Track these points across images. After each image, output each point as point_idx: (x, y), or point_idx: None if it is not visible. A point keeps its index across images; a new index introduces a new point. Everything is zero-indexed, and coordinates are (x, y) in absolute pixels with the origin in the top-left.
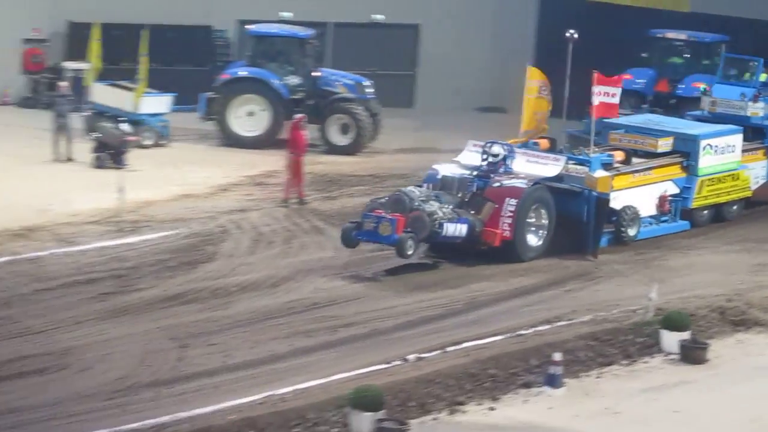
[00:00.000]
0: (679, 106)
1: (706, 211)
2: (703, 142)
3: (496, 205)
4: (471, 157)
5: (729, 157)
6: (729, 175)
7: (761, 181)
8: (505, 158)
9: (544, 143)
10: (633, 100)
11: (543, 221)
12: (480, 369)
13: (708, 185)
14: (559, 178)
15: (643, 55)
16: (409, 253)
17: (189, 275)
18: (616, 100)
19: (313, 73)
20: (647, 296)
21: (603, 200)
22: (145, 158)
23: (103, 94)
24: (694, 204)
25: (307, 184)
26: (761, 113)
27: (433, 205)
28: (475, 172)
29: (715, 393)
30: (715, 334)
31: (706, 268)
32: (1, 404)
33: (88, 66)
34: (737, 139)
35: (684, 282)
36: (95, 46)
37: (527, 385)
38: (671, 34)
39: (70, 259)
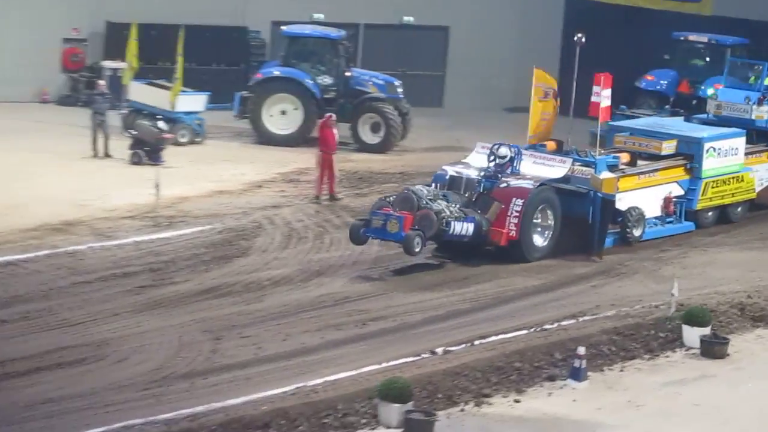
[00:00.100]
0: (700, 106)
1: (710, 213)
2: (707, 145)
3: (503, 205)
4: (479, 158)
5: (732, 160)
6: (733, 177)
7: (765, 183)
8: (512, 159)
9: (551, 145)
10: (655, 100)
11: (549, 222)
12: (506, 362)
13: (713, 187)
14: (565, 179)
15: (666, 56)
16: (417, 250)
17: (223, 269)
18: (608, 102)
19: (345, 73)
20: (669, 292)
21: (608, 201)
22: (181, 155)
23: (140, 93)
24: (698, 205)
25: (338, 181)
26: (766, 116)
27: (440, 204)
28: (482, 173)
29: (734, 387)
30: (735, 330)
31: (727, 265)
32: (40, 394)
33: (126, 65)
34: (740, 142)
35: (705, 279)
36: (133, 46)
37: (552, 378)
38: (693, 37)
39: (108, 252)
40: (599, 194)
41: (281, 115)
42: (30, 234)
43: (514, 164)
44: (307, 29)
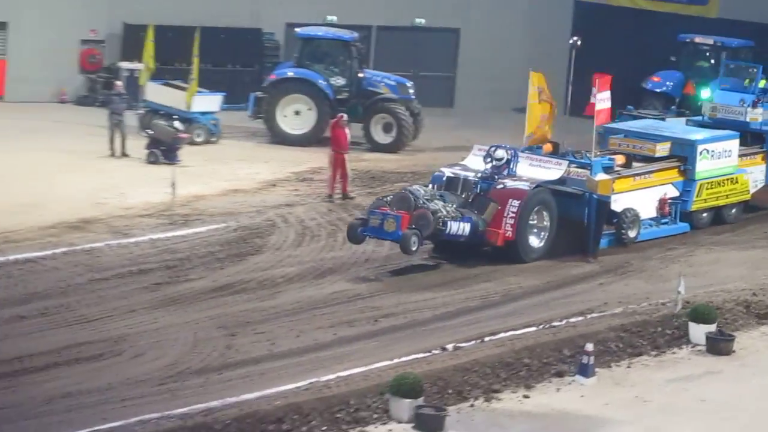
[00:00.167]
0: None
1: (705, 214)
2: (700, 147)
3: (500, 206)
4: (477, 160)
5: (726, 162)
6: (728, 179)
7: (760, 185)
8: (508, 162)
9: (548, 147)
10: (661, 101)
11: (545, 223)
12: (515, 358)
13: (707, 189)
14: (561, 180)
15: (672, 58)
16: (413, 249)
17: (237, 266)
18: (608, 104)
19: (357, 75)
20: (676, 290)
21: (603, 203)
22: (196, 154)
23: (156, 93)
24: (693, 207)
25: (351, 180)
26: (760, 119)
27: (437, 204)
28: (479, 174)
29: (740, 383)
30: (740, 327)
31: (732, 263)
32: (58, 389)
33: (143, 66)
34: (734, 144)
35: (711, 277)
36: (149, 47)
37: (560, 374)
38: (699, 39)
39: (124, 250)
40: (594, 196)
41: (295, 115)
42: (48, 232)
43: (511, 166)
44: (321, 31)
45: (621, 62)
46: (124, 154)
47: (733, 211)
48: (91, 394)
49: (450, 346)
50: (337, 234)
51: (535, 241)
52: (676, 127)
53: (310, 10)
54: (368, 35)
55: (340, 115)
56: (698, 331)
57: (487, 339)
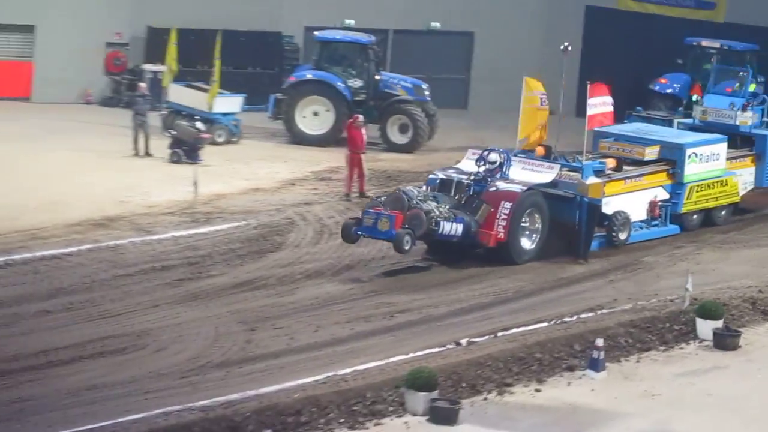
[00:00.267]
0: None
1: (695, 216)
2: (689, 151)
3: (492, 208)
4: (471, 164)
5: (714, 165)
6: (718, 181)
7: (749, 187)
8: (501, 165)
9: (540, 150)
10: (668, 103)
11: (537, 225)
12: (527, 353)
13: (697, 191)
14: (553, 184)
15: (679, 61)
16: (406, 248)
17: (257, 263)
18: (611, 107)
19: (374, 77)
20: (684, 287)
21: (594, 206)
22: (218, 154)
23: (179, 94)
24: (683, 209)
25: (368, 180)
26: (750, 122)
27: (430, 204)
28: (472, 177)
29: (746, 378)
30: (746, 323)
31: (739, 261)
32: (83, 381)
33: (166, 68)
34: (722, 148)
35: (718, 274)
36: (172, 50)
37: (571, 369)
38: (705, 42)
39: (148, 247)
40: (585, 199)
41: (313, 116)
42: (73, 229)
43: (504, 169)
44: (339, 34)
45: (630, 64)
46: (147, 154)
47: (723, 212)
48: (114, 386)
49: (464, 341)
50: None
51: (526, 243)
52: (666, 130)
53: (328, 14)
54: (385, 39)
55: (355, 116)
56: (705, 327)
57: (499, 334)
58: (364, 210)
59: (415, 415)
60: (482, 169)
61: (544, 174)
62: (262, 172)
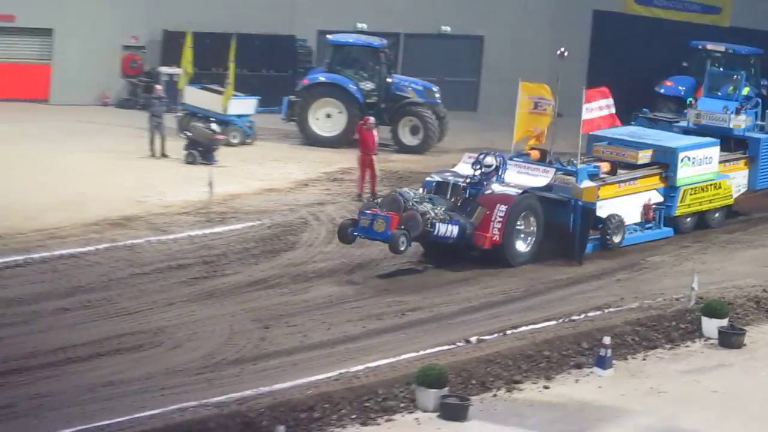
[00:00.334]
0: None
1: (689, 218)
2: (682, 154)
3: (488, 211)
4: (467, 168)
5: (706, 168)
6: (711, 184)
7: (743, 190)
8: (497, 168)
9: (535, 154)
10: (674, 105)
11: (532, 228)
12: (536, 351)
13: (691, 194)
14: (548, 187)
15: (684, 64)
16: (402, 249)
17: (271, 262)
18: (613, 109)
19: (386, 79)
20: (689, 286)
21: (589, 209)
22: (233, 155)
23: (194, 97)
24: (677, 212)
25: (379, 180)
26: (743, 125)
27: (426, 206)
28: (468, 180)
29: (750, 375)
30: (751, 322)
31: (744, 261)
32: (100, 378)
33: (181, 71)
34: (714, 151)
35: (723, 273)
36: (188, 53)
37: (579, 366)
38: (711, 46)
39: (164, 246)
40: (580, 202)
41: (326, 118)
42: (91, 228)
43: (500, 173)
44: (351, 38)
45: (636, 67)
46: (163, 155)
47: (717, 215)
48: (131, 383)
49: (474, 339)
50: None
51: (521, 246)
52: (659, 134)
53: (341, 18)
54: (396, 42)
55: (366, 117)
56: (711, 326)
57: (509, 332)
58: (361, 211)
59: (425, 411)
60: (478, 172)
61: (539, 177)
62: (275, 173)
